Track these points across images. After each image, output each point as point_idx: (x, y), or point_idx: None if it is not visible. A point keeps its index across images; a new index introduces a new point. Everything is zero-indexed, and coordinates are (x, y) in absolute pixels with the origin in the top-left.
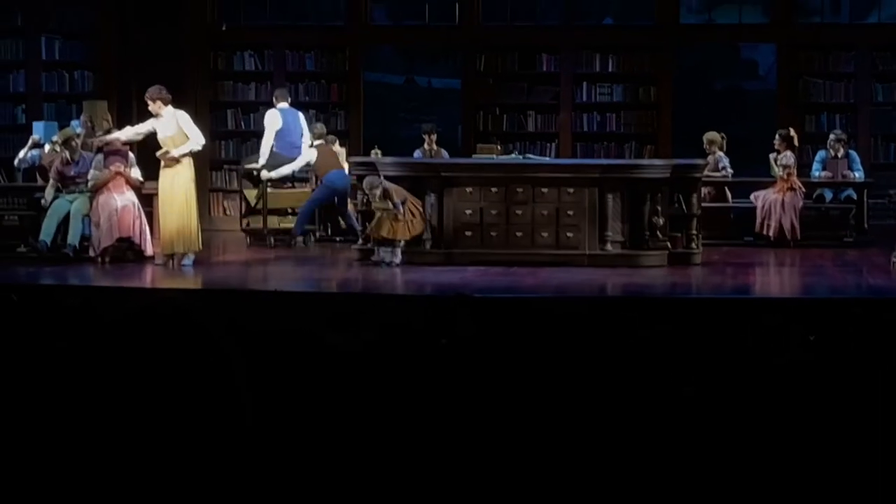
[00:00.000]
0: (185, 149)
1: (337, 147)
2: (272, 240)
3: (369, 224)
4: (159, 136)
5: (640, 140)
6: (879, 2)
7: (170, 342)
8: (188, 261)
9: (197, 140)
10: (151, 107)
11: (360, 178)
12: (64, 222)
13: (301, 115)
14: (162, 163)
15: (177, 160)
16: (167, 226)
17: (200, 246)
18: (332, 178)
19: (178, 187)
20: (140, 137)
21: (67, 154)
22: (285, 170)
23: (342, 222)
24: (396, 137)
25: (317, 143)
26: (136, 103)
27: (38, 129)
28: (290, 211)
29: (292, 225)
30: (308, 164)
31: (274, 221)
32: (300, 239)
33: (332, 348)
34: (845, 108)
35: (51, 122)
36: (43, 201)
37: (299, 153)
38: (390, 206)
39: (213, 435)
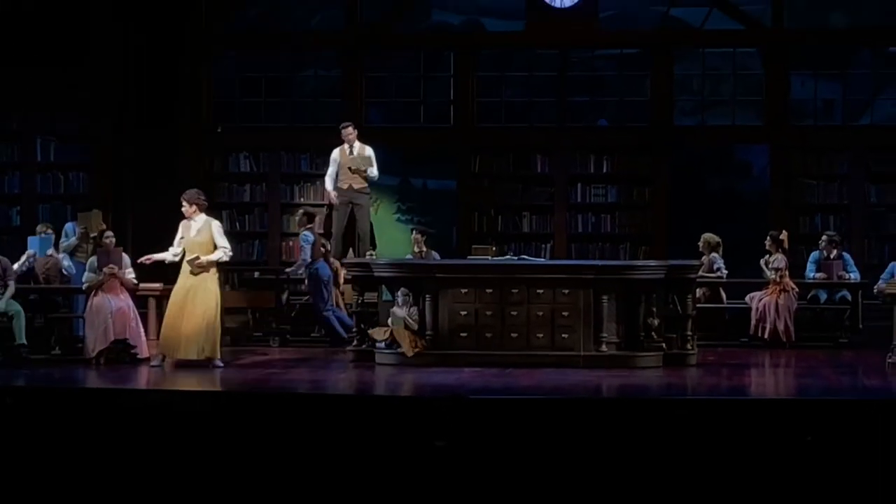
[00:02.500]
0: (214, 258)
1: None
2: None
3: (366, 326)
4: (187, 240)
5: (634, 241)
6: (872, 104)
7: (171, 443)
8: (220, 362)
9: (226, 251)
10: (186, 209)
11: (355, 279)
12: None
13: None
14: (184, 265)
15: (204, 267)
16: (188, 328)
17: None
18: None
19: (208, 293)
20: (180, 250)
21: None
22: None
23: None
24: (392, 238)
25: None
26: (131, 202)
27: (32, 244)
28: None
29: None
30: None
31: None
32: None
33: (327, 450)
34: (839, 208)
35: (46, 235)
36: None
37: None
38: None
39: None
